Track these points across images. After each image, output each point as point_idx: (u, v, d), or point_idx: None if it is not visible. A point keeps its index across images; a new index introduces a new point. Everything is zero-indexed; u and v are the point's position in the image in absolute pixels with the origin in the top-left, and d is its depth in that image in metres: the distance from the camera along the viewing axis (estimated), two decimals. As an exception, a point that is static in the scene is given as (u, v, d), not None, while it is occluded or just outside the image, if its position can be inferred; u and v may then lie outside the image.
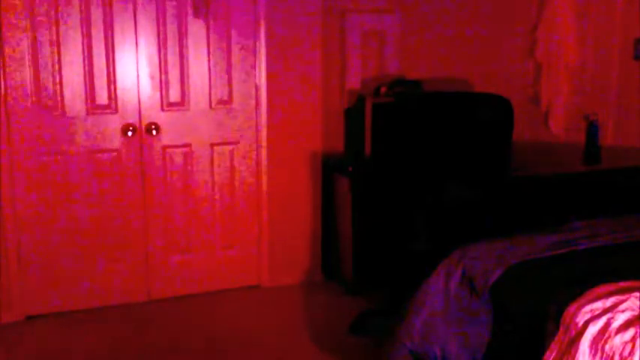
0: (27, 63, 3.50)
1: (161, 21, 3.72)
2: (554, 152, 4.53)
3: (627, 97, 4.27)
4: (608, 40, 4.33)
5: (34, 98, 3.54)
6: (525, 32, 4.66)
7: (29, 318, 3.69)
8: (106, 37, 3.61)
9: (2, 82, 3.46)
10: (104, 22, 3.60)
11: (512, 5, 4.66)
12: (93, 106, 3.65)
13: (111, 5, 3.59)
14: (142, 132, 3.75)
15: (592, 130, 4.17)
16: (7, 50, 3.45)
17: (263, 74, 3.98)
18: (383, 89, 4.03)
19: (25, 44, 3.47)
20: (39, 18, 3.47)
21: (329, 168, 4.22)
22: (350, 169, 3.98)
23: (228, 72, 3.92)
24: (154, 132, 3.78)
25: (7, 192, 3.55)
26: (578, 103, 4.52)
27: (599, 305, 2.08)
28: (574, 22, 4.46)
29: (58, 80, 3.56)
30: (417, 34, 4.45)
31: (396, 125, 3.68)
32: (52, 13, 3.50)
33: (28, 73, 3.50)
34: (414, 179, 3.53)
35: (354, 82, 4.36)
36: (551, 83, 4.58)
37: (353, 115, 3.98)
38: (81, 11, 3.54)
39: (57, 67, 3.55)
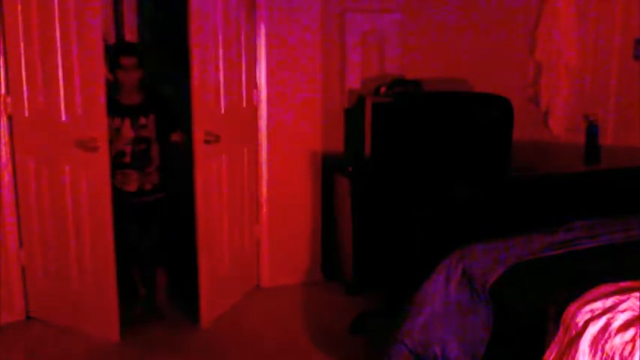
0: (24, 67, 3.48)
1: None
2: (554, 152, 4.53)
3: (627, 97, 4.27)
4: (608, 40, 4.34)
5: (33, 103, 3.50)
6: (525, 32, 4.66)
7: (29, 318, 3.69)
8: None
9: (2, 86, 3.46)
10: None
11: (513, 5, 4.66)
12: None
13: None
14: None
15: (592, 130, 4.17)
16: (10, 56, 3.44)
17: (263, 74, 3.97)
18: (383, 89, 4.03)
19: (26, 49, 3.45)
20: (35, 21, 3.45)
21: (329, 168, 4.21)
22: (350, 169, 3.98)
23: (229, 72, 3.91)
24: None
25: (8, 194, 3.54)
26: (578, 103, 4.52)
27: (599, 305, 2.08)
28: (574, 22, 4.46)
29: (55, 84, 3.50)
30: (417, 34, 4.45)
31: (396, 125, 3.68)
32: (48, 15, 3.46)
33: (28, 78, 3.48)
34: (414, 179, 3.52)
35: (354, 82, 4.35)
36: (551, 83, 4.58)
37: (353, 115, 3.99)
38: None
39: (56, 71, 3.52)
